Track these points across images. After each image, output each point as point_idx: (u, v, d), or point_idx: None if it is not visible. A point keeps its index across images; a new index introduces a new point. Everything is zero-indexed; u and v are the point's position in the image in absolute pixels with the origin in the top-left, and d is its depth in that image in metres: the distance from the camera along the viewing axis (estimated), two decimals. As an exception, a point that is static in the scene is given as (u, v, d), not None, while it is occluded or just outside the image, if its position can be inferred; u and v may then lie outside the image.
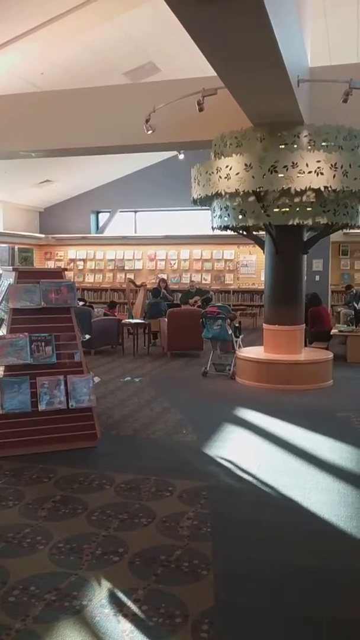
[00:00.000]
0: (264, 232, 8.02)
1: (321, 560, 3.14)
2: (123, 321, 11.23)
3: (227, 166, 7.14)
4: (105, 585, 2.86)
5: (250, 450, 5.05)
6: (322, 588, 2.86)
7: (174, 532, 3.44)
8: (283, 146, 7.17)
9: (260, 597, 2.78)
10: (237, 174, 7.04)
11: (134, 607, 2.67)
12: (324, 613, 2.65)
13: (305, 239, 8.04)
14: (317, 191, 6.91)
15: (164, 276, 15.51)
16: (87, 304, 13.17)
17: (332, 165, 6.83)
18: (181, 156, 12.94)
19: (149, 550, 3.20)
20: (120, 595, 2.77)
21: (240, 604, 2.73)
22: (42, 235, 17.01)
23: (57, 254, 17.25)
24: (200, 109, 6.86)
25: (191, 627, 2.52)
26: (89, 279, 16.90)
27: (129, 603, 2.70)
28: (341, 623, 2.58)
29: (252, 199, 7.19)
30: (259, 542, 3.37)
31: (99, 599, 2.74)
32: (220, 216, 7.68)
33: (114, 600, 2.73)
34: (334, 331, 9.97)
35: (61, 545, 3.26)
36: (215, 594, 2.79)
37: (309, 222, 7.23)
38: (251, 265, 15.66)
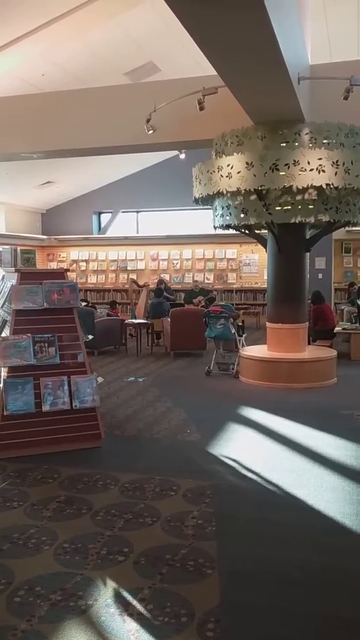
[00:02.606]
0: (266, 231, 8.01)
1: (326, 559, 3.14)
2: (126, 321, 11.24)
3: (228, 165, 7.14)
4: (111, 585, 2.86)
5: (255, 449, 5.05)
6: (327, 586, 2.85)
7: (179, 531, 3.44)
8: (284, 144, 7.17)
9: (266, 596, 2.78)
10: (239, 172, 7.04)
11: (139, 607, 2.67)
12: (329, 611, 2.64)
13: (307, 237, 8.03)
14: (319, 189, 6.89)
15: (165, 276, 15.52)
16: (89, 304, 13.18)
17: (333, 162, 6.82)
18: (182, 156, 12.94)
19: (154, 550, 3.20)
20: (126, 594, 2.77)
21: (245, 602, 2.72)
22: (45, 237, 17.03)
23: (59, 255, 17.28)
24: (201, 108, 6.85)
25: (197, 625, 2.52)
26: (92, 279, 16.91)
27: (135, 602, 2.70)
28: (346, 621, 2.58)
29: (253, 197, 7.19)
30: (264, 540, 3.36)
31: (104, 598, 2.74)
32: (222, 215, 7.68)
33: (119, 599, 2.73)
34: (337, 329, 9.96)
35: (66, 545, 3.27)
36: (220, 592, 2.78)
37: (311, 220, 7.22)
38: (254, 264, 15.65)
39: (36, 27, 7.79)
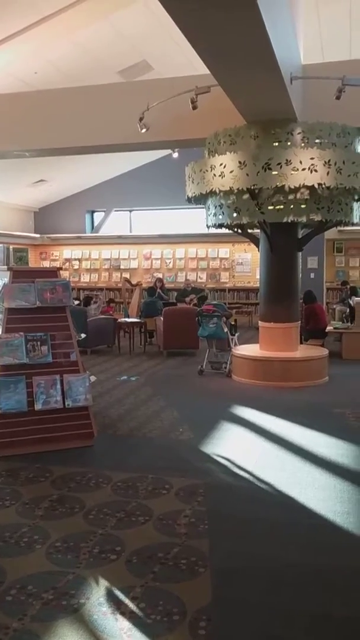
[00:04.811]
0: (258, 230, 8.02)
1: (318, 557, 3.15)
2: (119, 320, 11.22)
3: (221, 164, 7.15)
4: (103, 583, 2.86)
5: (247, 447, 5.06)
6: (318, 584, 2.87)
7: (171, 529, 3.45)
8: (277, 143, 7.18)
9: (257, 593, 2.79)
10: (231, 171, 7.05)
11: (131, 605, 2.67)
12: (320, 609, 2.66)
13: (299, 236, 8.06)
14: (311, 188, 6.92)
15: (160, 275, 15.51)
16: (81, 302, 13.15)
17: (325, 162, 6.84)
18: (175, 155, 12.93)
19: (146, 548, 3.21)
20: (118, 593, 2.77)
21: (237, 600, 2.74)
22: (37, 235, 16.96)
23: (52, 253, 17.22)
24: (194, 107, 6.84)
25: (189, 623, 2.53)
26: (85, 278, 16.88)
27: (127, 601, 2.71)
28: (337, 619, 2.59)
29: (246, 196, 7.20)
30: (256, 538, 3.38)
31: (96, 597, 2.74)
32: (215, 214, 7.69)
33: (111, 598, 2.73)
34: (329, 328, 9.99)
35: (58, 544, 3.26)
36: (212, 590, 2.79)
37: (303, 219, 7.24)
38: (246, 263, 15.67)
39: (28, 25, 7.76)
